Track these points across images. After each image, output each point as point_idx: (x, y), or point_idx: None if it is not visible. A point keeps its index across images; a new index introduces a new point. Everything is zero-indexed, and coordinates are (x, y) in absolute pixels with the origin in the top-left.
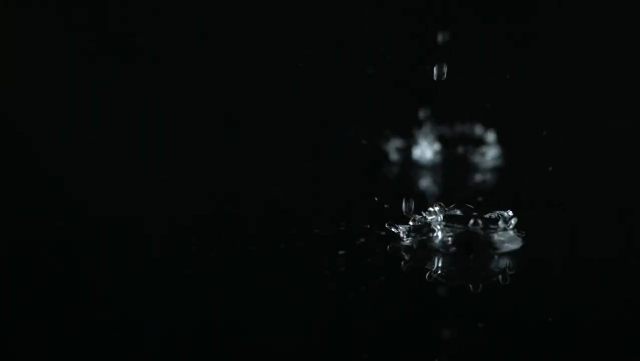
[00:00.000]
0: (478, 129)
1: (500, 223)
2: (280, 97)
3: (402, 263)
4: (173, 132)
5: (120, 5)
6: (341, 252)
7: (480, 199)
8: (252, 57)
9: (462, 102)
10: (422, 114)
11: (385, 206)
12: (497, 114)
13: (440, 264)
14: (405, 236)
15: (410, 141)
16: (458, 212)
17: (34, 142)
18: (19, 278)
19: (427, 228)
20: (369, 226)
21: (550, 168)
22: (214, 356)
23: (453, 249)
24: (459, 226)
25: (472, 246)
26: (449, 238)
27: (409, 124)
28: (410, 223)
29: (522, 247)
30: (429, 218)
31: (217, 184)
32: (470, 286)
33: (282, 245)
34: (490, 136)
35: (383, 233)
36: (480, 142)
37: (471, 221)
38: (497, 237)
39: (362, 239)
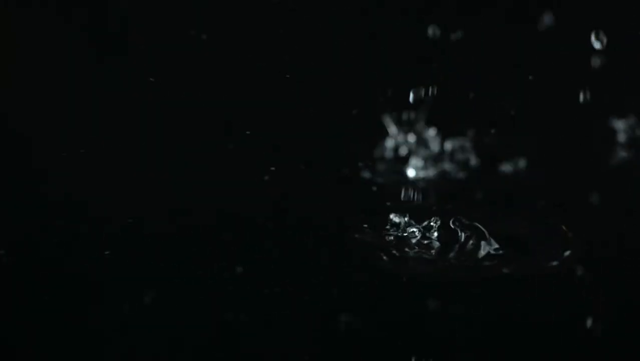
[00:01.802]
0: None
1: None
2: (280, 98)
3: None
4: (173, 132)
5: (120, 5)
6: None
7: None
8: (253, 58)
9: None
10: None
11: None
12: (499, 114)
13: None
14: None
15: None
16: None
17: (34, 142)
18: (19, 278)
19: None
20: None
21: None
22: (213, 356)
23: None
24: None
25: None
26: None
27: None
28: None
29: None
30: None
31: (217, 184)
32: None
33: (281, 245)
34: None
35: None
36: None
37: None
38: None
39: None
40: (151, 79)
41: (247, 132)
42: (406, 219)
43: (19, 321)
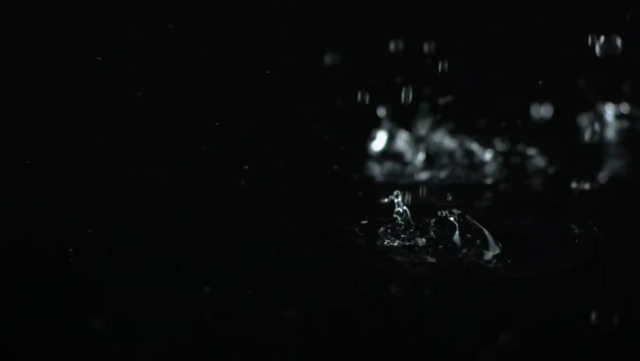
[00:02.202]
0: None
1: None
2: (280, 98)
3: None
4: (173, 132)
5: (120, 5)
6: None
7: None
8: (253, 58)
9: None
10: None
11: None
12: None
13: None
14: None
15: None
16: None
17: (34, 142)
18: (18, 278)
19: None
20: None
21: None
22: (213, 356)
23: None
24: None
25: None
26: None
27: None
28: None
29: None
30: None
31: (217, 184)
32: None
33: (281, 246)
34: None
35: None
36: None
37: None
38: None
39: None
40: (98, 58)
41: (247, 132)
42: (405, 219)
43: (19, 321)
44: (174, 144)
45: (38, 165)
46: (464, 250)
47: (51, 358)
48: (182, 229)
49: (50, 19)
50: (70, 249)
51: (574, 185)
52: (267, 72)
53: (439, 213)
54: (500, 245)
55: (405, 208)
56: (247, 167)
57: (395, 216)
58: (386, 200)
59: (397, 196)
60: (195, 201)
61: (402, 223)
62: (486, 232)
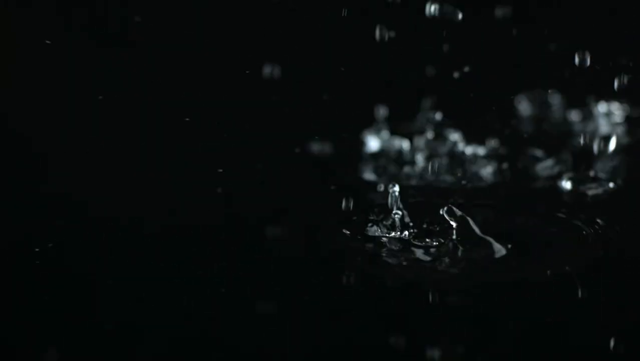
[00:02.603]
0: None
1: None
2: (280, 98)
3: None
4: (173, 132)
5: (120, 5)
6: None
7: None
8: (253, 57)
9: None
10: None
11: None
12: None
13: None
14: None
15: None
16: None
17: (34, 142)
18: (19, 278)
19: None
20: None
21: None
22: (212, 356)
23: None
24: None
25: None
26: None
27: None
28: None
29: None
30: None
31: (217, 184)
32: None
33: (282, 246)
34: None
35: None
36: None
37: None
38: None
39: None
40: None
41: (246, 132)
42: (404, 220)
43: (19, 321)
44: (174, 144)
45: (38, 165)
46: (464, 250)
47: (51, 358)
48: (182, 229)
49: (50, 19)
50: (70, 249)
51: (574, 185)
52: (265, 72)
53: (439, 212)
54: (500, 245)
55: (403, 209)
56: (246, 167)
57: (393, 215)
58: (383, 188)
59: (393, 187)
60: (195, 201)
61: (401, 223)
62: (486, 233)
